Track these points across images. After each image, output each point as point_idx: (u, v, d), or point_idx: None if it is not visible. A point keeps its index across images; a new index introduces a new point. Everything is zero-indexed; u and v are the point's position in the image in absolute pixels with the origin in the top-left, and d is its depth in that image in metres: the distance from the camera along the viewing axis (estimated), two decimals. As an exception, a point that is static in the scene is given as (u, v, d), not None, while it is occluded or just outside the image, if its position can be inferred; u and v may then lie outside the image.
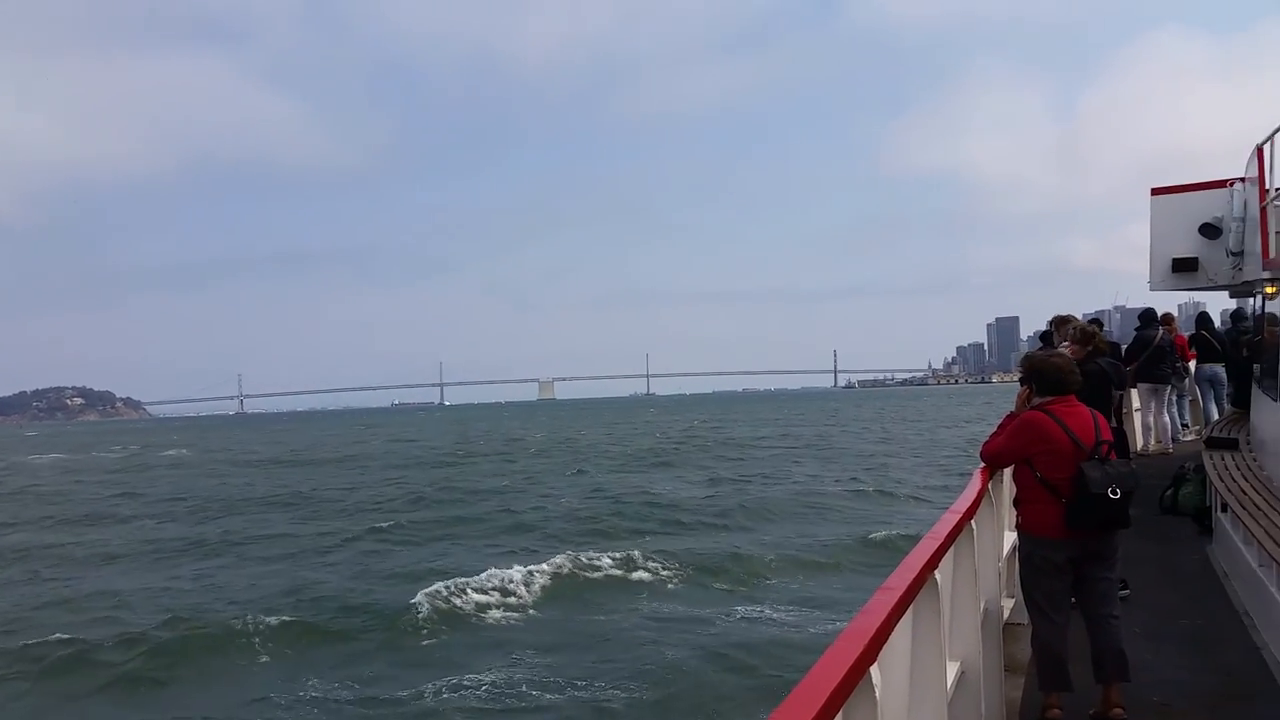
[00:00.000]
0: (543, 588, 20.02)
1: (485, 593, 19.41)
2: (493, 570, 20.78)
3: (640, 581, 20.90)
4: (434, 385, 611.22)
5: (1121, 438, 9.20)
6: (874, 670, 2.93)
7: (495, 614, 18.44)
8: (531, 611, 18.70)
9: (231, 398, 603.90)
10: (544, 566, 21.28)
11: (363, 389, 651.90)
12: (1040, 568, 5.83)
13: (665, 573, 21.43)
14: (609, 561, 22.08)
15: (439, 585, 19.49)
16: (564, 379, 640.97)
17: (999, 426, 6.43)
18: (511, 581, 20.13)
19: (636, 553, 22.70)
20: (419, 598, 18.71)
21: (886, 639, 3.16)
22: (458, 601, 18.86)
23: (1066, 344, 8.80)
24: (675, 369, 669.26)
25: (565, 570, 21.27)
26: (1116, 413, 8.57)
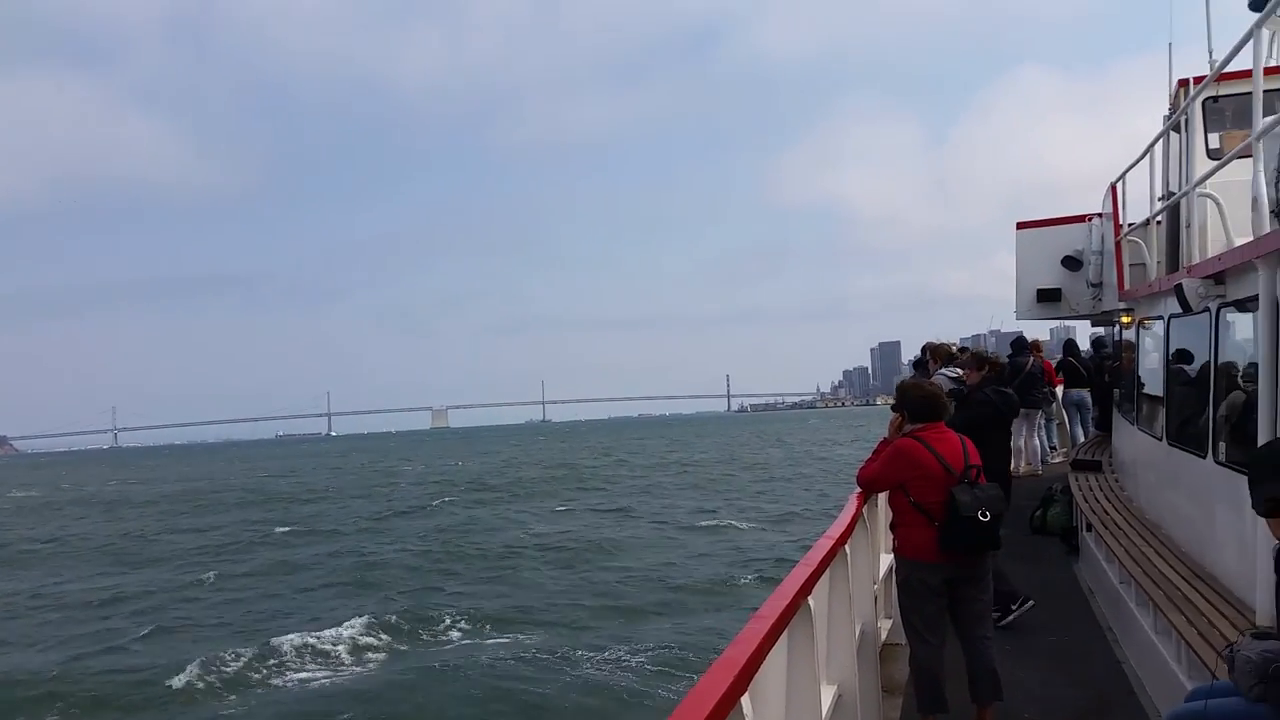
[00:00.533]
0: (349, 645, 18.80)
1: (271, 659, 17.76)
2: (295, 634, 19.08)
3: (441, 635, 19.84)
4: (321, 415, 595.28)
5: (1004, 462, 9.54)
6: (745, 700, 2.90)
7: (280, 680, 16.81)
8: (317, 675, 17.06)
9: (106, 431, 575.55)
10: (352, 622, 20.06)
11: (246, 420, 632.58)
12: (916, 590, 5.95)
13: (468, 624, 20.39)
14: (412, 617, 20.96)
15: (222, 651, 18.12)
16: (458, 407, 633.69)
17: (874, 452, 6.55)
18: (310, 644, 18.77)
19: (442, 604, 21.79)
20: (189, 670, 17.22)
21: (758, 667, 3.14)
22: (232, 669, 17.45)
23: (954, 370, 9.12)
24: (571, 395, 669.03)
25: (368, 630, 19.69)
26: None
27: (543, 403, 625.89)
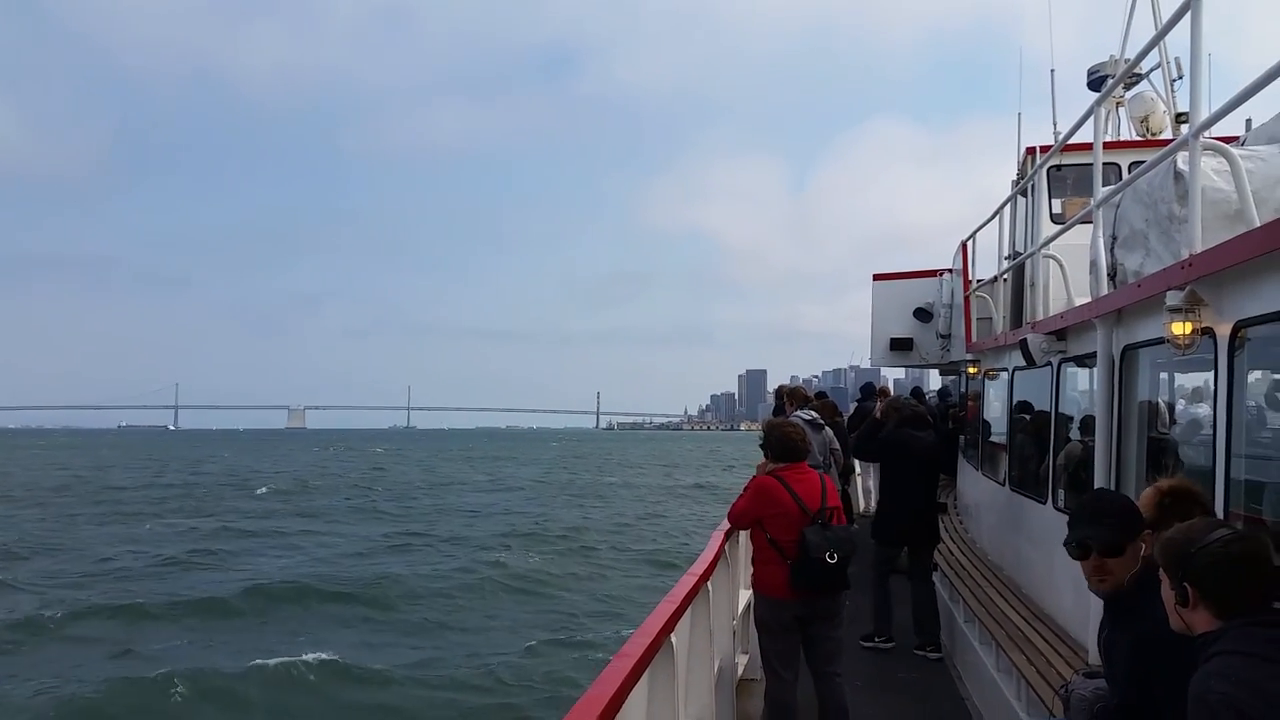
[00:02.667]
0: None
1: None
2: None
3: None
4: (168, 408, 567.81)
5: (846, 500, 9.83)
6: None
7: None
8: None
9: None
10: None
11: (85, 407, 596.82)
12: (770, 627, 6.06)
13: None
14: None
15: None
16: (317, 408, 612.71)
17: (745, 489, 6.65)
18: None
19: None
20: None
21: (619, 708, 3.10)
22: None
23: (809, 413, 9.41)
24: (438, 403, 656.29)
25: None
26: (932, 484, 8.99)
27: (408, 408, 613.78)
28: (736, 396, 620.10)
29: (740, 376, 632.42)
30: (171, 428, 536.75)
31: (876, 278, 15.84)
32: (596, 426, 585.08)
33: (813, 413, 10.13)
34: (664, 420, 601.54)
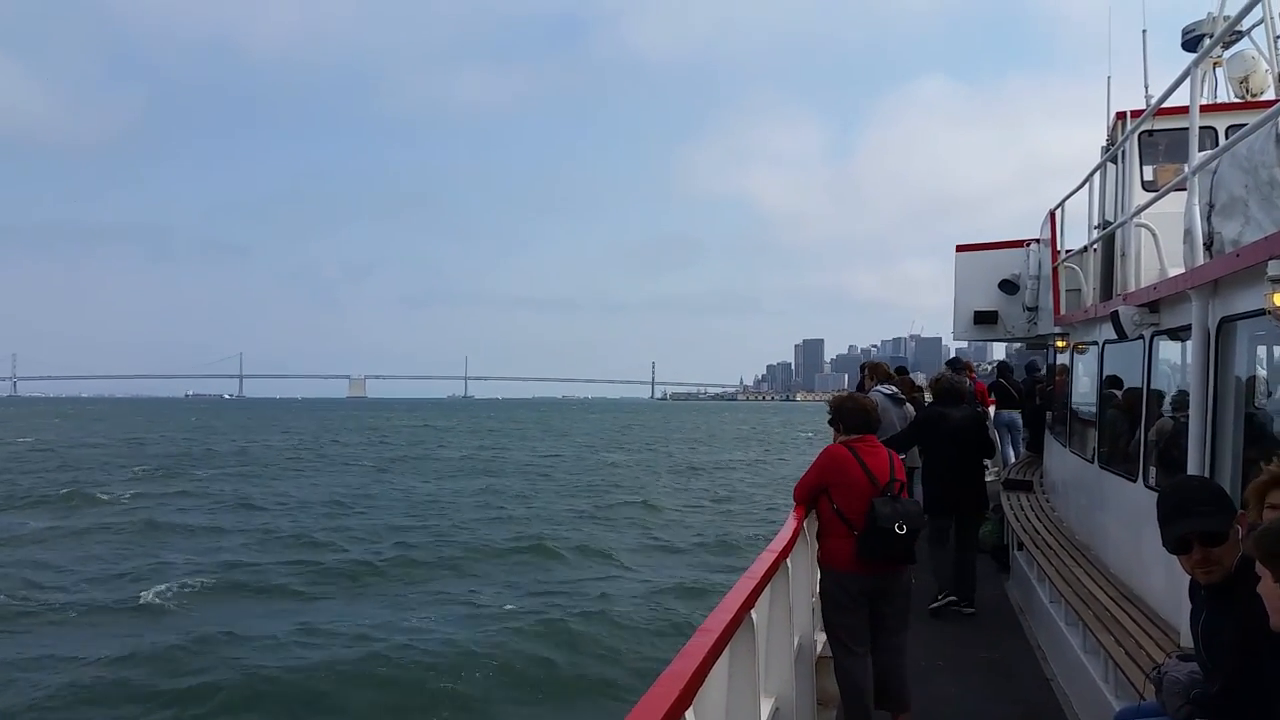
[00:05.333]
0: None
1: None
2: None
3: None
4: (233, 377, 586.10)
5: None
6: (689, 714, 2.90)
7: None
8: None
9: (5, 379, 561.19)
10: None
11: (154, 377, 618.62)
12: (838, 601, 6.05)
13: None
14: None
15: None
16: (377, 377, 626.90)
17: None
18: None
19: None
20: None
21: (703, 681, 3.13)
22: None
23: (889, 388, 9.44)
24: (495, 373, 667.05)
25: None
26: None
27: (465, 378, 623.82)
28: (793, 366, 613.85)
29: (796, 346, 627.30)
30: (228, 396, 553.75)
31: (960, 249, 15.53)
32: (651, 397, 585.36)
33: (893, 388, 10.06)
34: (719, 390, 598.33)
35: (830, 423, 6.43)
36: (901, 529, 5.79)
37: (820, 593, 6.28)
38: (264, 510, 32.32)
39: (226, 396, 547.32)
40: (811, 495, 6.23)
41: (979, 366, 18.84)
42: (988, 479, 17.08)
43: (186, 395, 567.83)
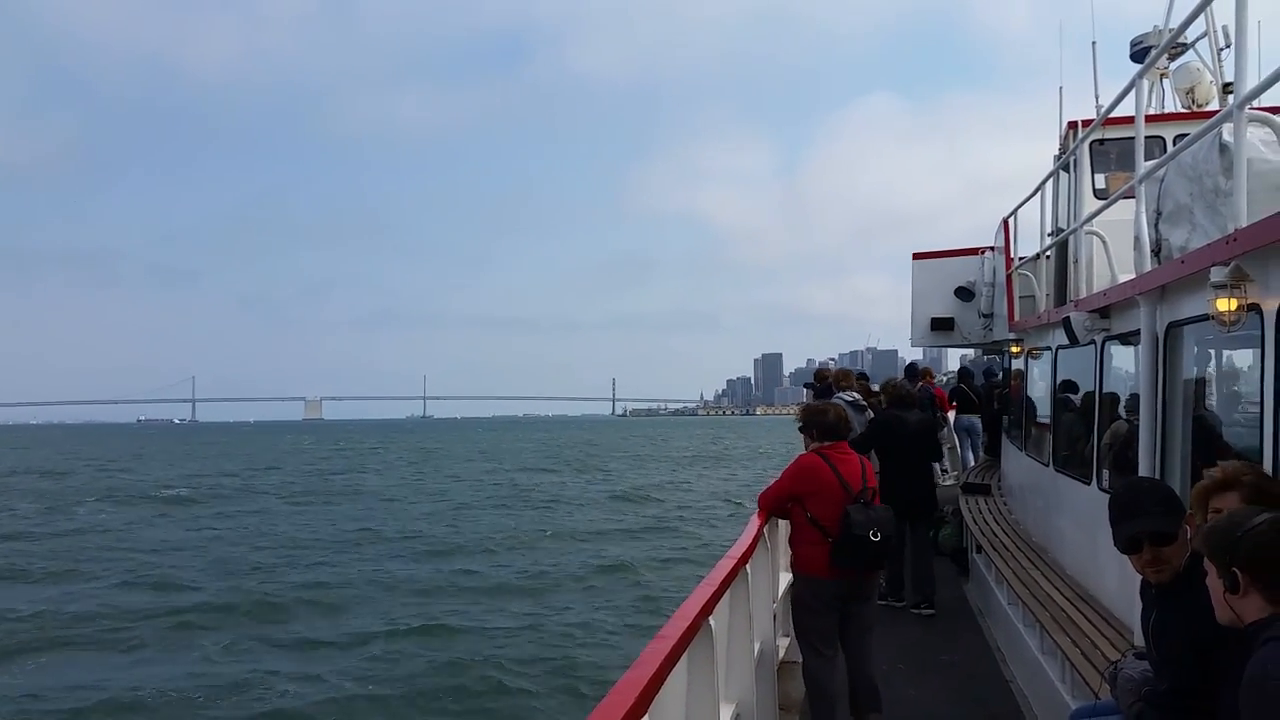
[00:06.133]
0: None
1: None
2: None
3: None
4: (186, 401, 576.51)
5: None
6: None
7: None
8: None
9: None
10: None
11: (106, 402, 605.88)
12: (810, 605, 6.12)
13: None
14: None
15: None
16: (334, 399, 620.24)
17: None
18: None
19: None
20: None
21: (659, 689, 3.13)
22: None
23: (852, 394, 9.58)
24: (455, 392, 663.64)
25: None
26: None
27: (424, 398, 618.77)
28: (752, 381, 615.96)
29: (755, 360, 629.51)
30: (178, 421, 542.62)
31: (916, 256, 15.68)
32: (612, 413, 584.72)
33: (855, 394, 10.16)
34: (679, 406, 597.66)
35: (801, 430, 6.47)
36: (875, 535, 5.89)
37: (792, 598, 6.36)
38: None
39: (176, 421, 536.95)
40: (781, 504, 6.27)
41: (938, 379, 19.05)
42: (947, 483, 17.39)
43: (139, 420, 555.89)
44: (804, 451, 6.45)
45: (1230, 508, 3.03)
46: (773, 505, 6.35)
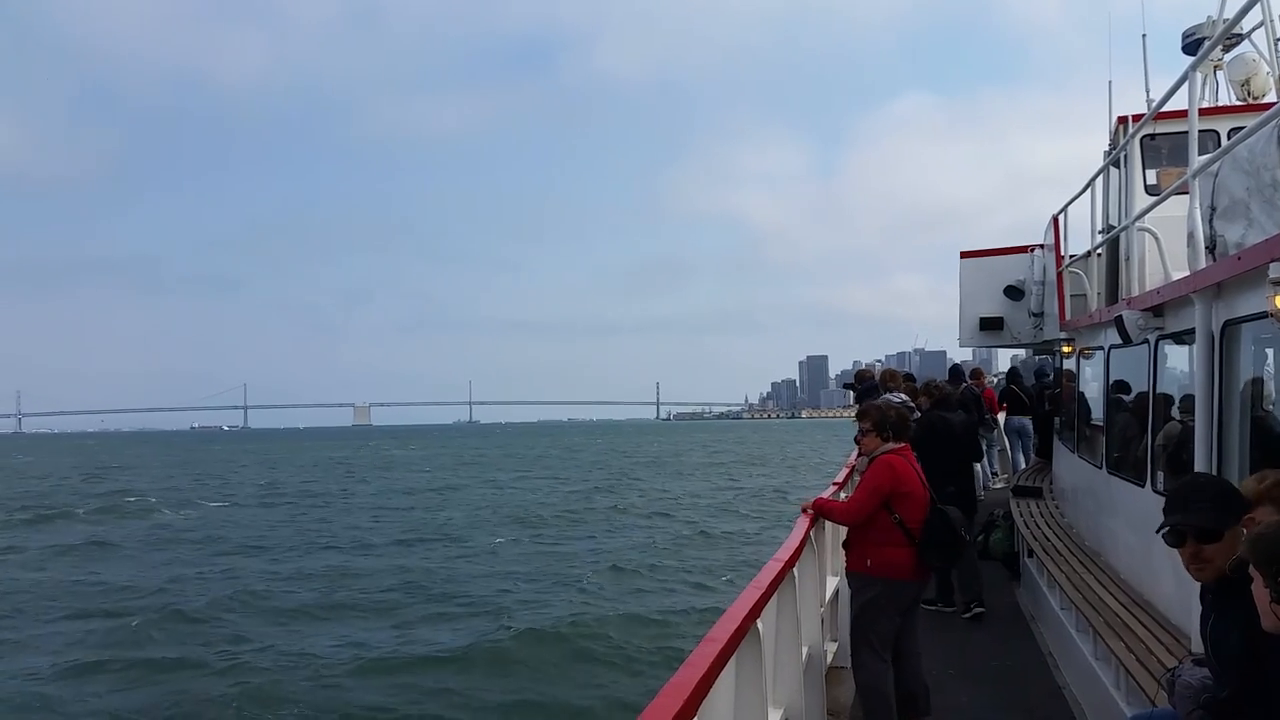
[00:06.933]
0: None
1: None
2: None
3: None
4: (238, 408, 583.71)
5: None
6: None
7: None
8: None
9: (9, 415, 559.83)
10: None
11: (158, 410, 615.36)
12: (884, 609, 6.01)
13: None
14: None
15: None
16: (382, 404, 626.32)
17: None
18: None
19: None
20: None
21: (707, 692, 3.13)
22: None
23: (900, 395, 9.53)
24: (499, 397, 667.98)
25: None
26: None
27: (469, 403, 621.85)
28: (797, 383, 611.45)
29: (800, 363, 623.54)
30: (226, 428, 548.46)
31: (964, 255, 15.52)
32: (657, 417, 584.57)
33: (903, 395, 10.07)
34: (724, 409, 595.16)
35: (869, 432, 6.33)
36: (965, 535, 6.01)
37: (864, 602, 6.13)
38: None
39: (225, 428, 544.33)
40: (875, 507, 6.03)
41: (988, 379, 18.83)
42: (997, 486, 17.18)
43: (192, 427, 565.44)
44: (864, 453, 6.42)
45: (1265, 519, 2.96)
46: (867, 511, 6.09)
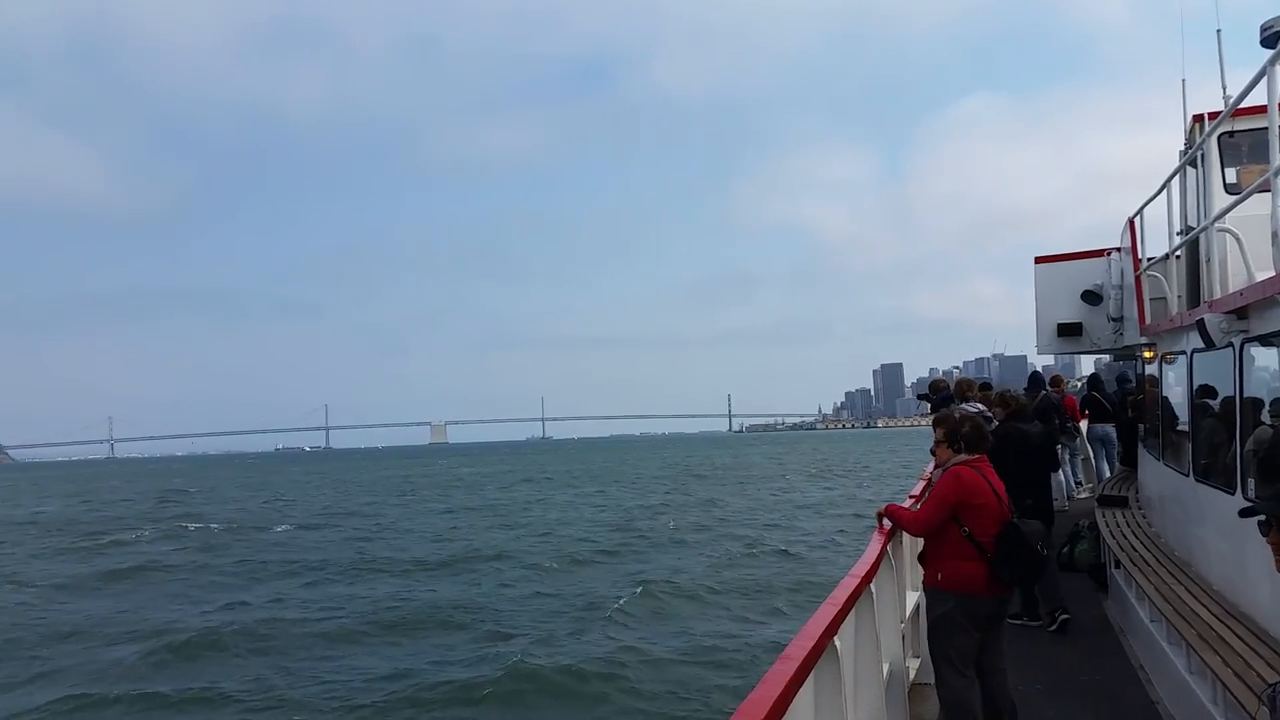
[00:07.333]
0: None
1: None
2: None
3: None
4: (319, 429, 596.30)
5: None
6: None
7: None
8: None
9: (102, 441, 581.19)
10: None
11: (244, 432, 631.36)
12: (960, 624, 5.91)
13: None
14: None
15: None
16: (457, 422, 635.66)
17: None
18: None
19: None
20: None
21: (785, 710, 3.13)
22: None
23: (976, 405, 9.37)
24: (572, 412, 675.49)
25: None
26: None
27: (542, 419, 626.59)
28: (872, 392, 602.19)
29: (874, 371, 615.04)
30: (308, 449, 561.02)
31: (1038, 260, 15.25)
32: (729, 429, 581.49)
33: (979, 405, 9.91)
34: (797, 420, 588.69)
35: (942, 442, 6.25)
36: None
37: (936, 616, 6.07)
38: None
39: (307, 449, 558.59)
40: (942, 519, 5.98)
41: (1069, 382, 18.43)
42: (1082, 495, 16.76)
43: (277, 449, 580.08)
44: (938, 463, 6.34)
45: None
46: (933, 523, 6.05)
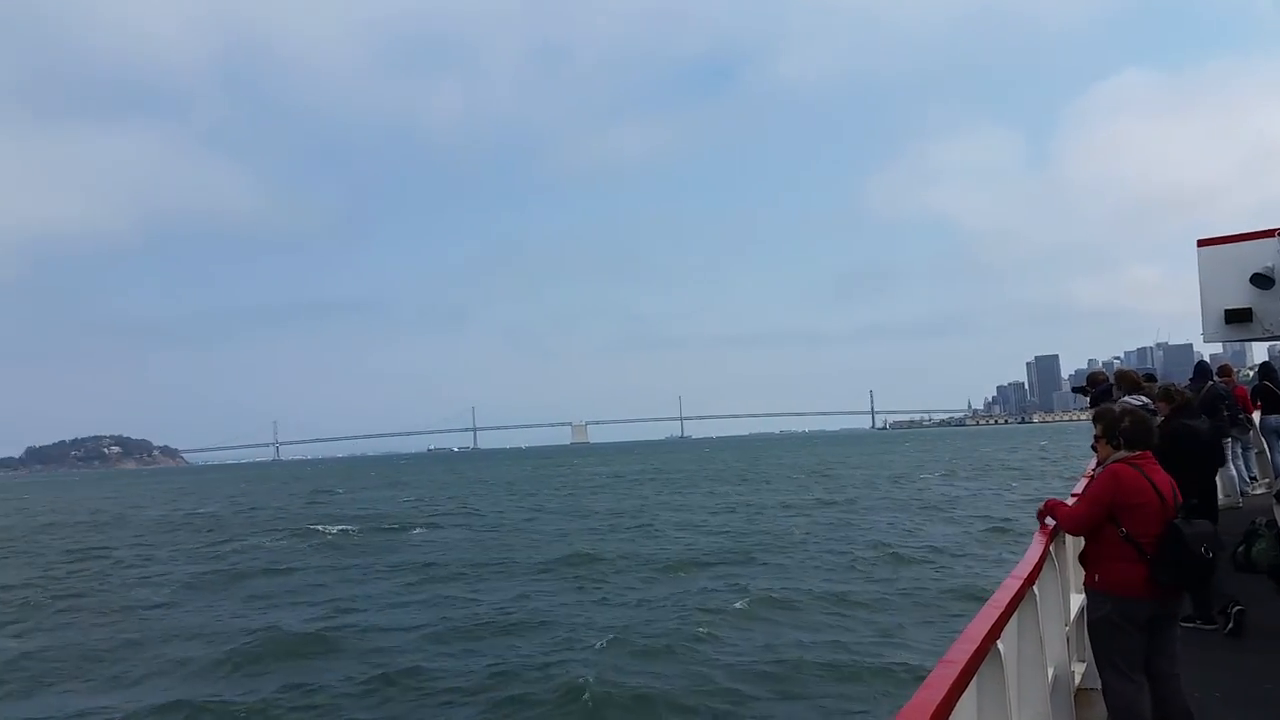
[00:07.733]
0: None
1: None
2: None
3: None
4: (467, 430, 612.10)
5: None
6: None
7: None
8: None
9: (268, 445, 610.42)
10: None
11: (398, 434, 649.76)
12: (1120, 628, 5.66)
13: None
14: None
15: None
16: (598, 423, 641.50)
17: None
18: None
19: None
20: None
21: (948, 715, 3.08)
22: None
23: (1140, 398, 8.95)
24: (709, 411, 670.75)
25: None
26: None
27: (680, 418, 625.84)
28: (1026, 386, 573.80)
29: (1028, 364, 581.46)
30: (456, 449, 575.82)
31: (1201, 243, 14.43)
32: (872, 426, 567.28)
33: (1144, 398, 9.45)
34: (945, 416, 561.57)
35: (1101, 438, 6.03)
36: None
37: (1095, 619, 5.85)
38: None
39: (456, 449, 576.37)
40: (1097, 519, 5.76)
41: (1239, 371, 17.33)
42: (1257, 491, 15.75)
43: (429, 450, 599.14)
44: (1099, 460, 6.08)
45: None
46: (1087, 522, 5.83)
